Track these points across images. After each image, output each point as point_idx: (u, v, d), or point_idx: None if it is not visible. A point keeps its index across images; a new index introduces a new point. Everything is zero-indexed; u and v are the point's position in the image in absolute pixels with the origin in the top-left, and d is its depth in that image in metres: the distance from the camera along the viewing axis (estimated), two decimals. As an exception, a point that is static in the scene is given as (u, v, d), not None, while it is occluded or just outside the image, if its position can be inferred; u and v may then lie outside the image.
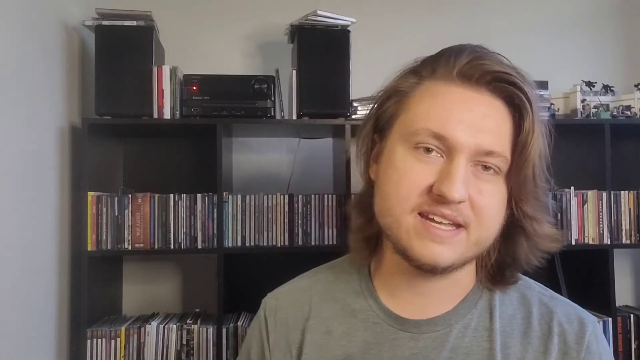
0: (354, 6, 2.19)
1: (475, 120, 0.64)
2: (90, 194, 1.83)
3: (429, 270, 0.66)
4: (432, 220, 0.64)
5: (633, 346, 1.98)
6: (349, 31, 1.95)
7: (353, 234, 0.78)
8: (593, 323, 0.74)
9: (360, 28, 2.02)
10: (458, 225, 0.64)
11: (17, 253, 1.55)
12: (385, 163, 0.69)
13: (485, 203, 0.64)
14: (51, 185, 1.79)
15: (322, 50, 1.92)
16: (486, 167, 0.65)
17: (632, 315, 2.01)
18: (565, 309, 0.74)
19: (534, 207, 0.68)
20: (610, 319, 1.95)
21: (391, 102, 0.70)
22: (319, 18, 1.91)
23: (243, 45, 2.26)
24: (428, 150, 0.64)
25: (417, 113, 0.66)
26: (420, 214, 0.64)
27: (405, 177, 0.65)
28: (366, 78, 2.16)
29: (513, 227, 0.70)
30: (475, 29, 2.30)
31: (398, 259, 0.68)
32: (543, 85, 2.04)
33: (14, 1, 1.55)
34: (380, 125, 0.72)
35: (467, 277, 0.74)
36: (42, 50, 1.74)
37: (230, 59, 2.24)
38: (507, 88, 0.65)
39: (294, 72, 1.95)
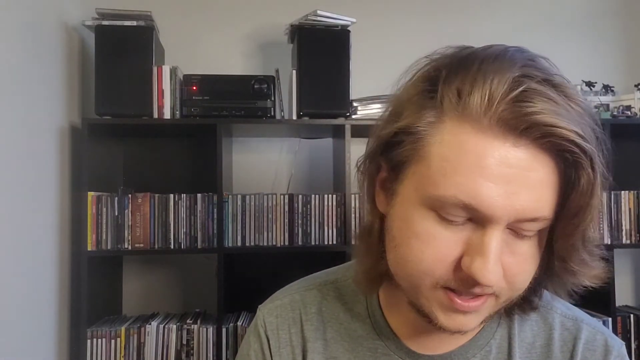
0: (354, 6, 2.20)
1: (514, 180, 0.49)
2: (90, 194, 1.83)
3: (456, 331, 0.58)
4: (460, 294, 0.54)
5: (633, 346, 1.98)
6: (349, 31, 1.95)
7: (359, 265, 0.66)
8: (619, 349, 0.67)
9: (360, 28, 2.02)
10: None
11: (17, 253, 1.55)
12: (400, 218, 0.56)
13: (518, 269, 0.53)
14: (51, 185, 1.79)
15: (322, 50, 1.92)
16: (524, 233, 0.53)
17: (632, 315, 2.01)
18: (590, 333, 0.68)
19: (579, 260, 0.56)
20: (610, 319, 1.95)
21: (403, 143, 0.54)
22: (319, 18, 1.91)
23: (243, 45, 2.26)
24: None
25: (441, 172, 0.51)
26: (447, 288, 0.54)
27: (428, 247, 0.53)
28: (366, 78, 2.17)
29: (547, 270, 0.58)
30: (475, 29, 2.30)
31: (416, 312, 0.59)
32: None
33: (14, 1, 1.55)
34: (390, 158, 0.57)
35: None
36: (42, 50, 1.74)
37: (230, 59, 2.24)
38: (563, 145, 0.49)
39: (294, 72, 1.95)
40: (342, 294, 0.72)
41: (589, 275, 0.58)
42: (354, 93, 1.96)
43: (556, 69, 0.54)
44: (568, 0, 2.39)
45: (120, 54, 1.85)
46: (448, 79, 0.52)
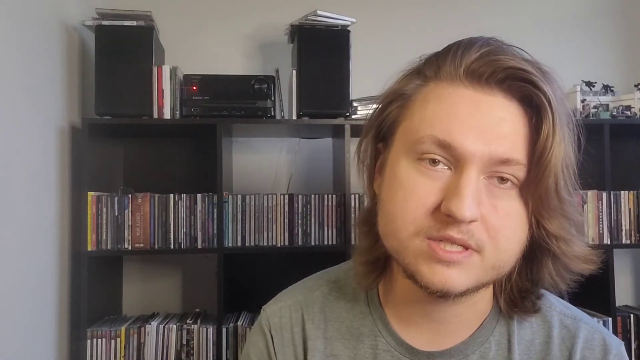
0: (354, 6, 2.20)
1: (487, 125, 0.55)
2: (90, 194, 1.83)
3: (441, 297, 0.58)
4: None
5: (633, 346, 1.98)
6: (349, 31, 1.95)
7: (358, 256, 0.69)
8: (617, 348, 0.68)
9: (360, 28, 2.02)
10: (469, 248, 0.56)
11: (17, 253, 1.55)
12: (388, 178, 0.61)
13: (501, 223, 0.56)
14: (51, 185, 1.79)
15: (322, 50, 1.92)
16: (502, 179, 0.56)
17: (632, 315, 2.01)
18: (589, 332, 0.68)
19: (560, 224, 0.59)
20: (610, 319, 1.95)
21: (393, 106, 0.62)
22: (319, 18, 1.91)
23: (243, 45, 2.26)
24: (434, 161, 0.56)
25: (421, 119, 0.58)
26: (429, 238, 0.57)
27: (411, 195, 0.57)
28: (366, 78, 2.17)
29: (536, 247, 0.61)
30: (474, 29, 2.28)
31: (410, 284, 0.61)
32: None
33: (14, 1, 1.55)
34: (382, 132, 0.64)
35: (483, 301, 0.67)
36: (42, 50, 1.74)
37: (230, 59, 2.24)
38: (524, 87, 0.56)
39: (294, 72, 1.95)
40: (344, 293, 0.73)
41: (577, 253, 0.61)
42: (354, 93, 1.96)
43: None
44: (568, 0, 2.39)
45: (120, 54, 1.85)
46: (429, 59, 0.62)
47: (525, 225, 0.58)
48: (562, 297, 0.72)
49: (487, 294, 0.67)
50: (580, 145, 0.62)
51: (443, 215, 0.55)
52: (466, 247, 0.56)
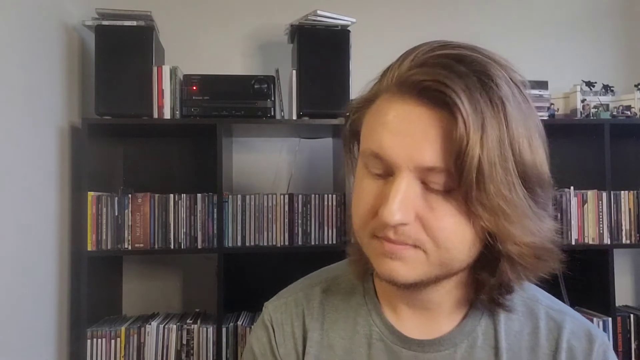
0: (353, 6, 2.20)
1: (411, 136, 0.57)
2: (90, 194, 1.83)
3: (396, 287, 0.63)
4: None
5: (633, 346, 1.98)
6: (349, 31, 1.95)
7: (350, 246, 0.73)
8: (602, 338, 0.70)
9: (360, 28, 2.02)
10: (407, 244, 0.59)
11: (17, 253, 1.55)
12: (354, 180, 0.66)
13: (438, 223, 0.58)
14: (51, 185, 1.79)
15: (322, 50, 1.92)
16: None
17: (632, 315, 2.01)
18: (574, 324, 0.71)
19: (502, 224, 0.57)
20: (610, 319, 1.95)
21: (356, 116, 0.66)
22: (319, 18, 1.91)
23: (243, 45, 2.26)
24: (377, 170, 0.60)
25: (364, 134, 0.63)
26: (376, 236, 0.62)
27: (361, 200, 0.62)
28: (366, 78, 2.16)
29: (490, 249, 0.61)
30: (474, 29, 2.30)
31: None
32: (543, 85, 2.04)
33: (14, 1, 1.55)
34: (352, 133, 0.68)
35: (458, 290, 0.69)
36: (42, 50, 1.74)
37: (230, 59, 2.24)
38: (440, 94, 0.55)
39: (294, 72, 1.95)
40: (343, 287, 0.77)
41: (532, 253, 0.60)
42: (354, 93, 1.95)
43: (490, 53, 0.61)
44: (568, 1, 2.39)
45: (120, 54, 1.85)
46: (384, 70, 0.65)
47: (467, 225, 0.58)
48: (560, 294, 0.73)
49: (457, 283, 0.68)
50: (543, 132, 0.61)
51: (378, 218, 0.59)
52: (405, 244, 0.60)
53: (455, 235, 0.59)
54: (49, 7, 1.79)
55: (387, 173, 0.59)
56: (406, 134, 0.57)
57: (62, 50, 1.88)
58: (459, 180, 0.56)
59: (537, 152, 0.59)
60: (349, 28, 1.95)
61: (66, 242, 1.90)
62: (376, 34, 2.27)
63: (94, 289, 1.85)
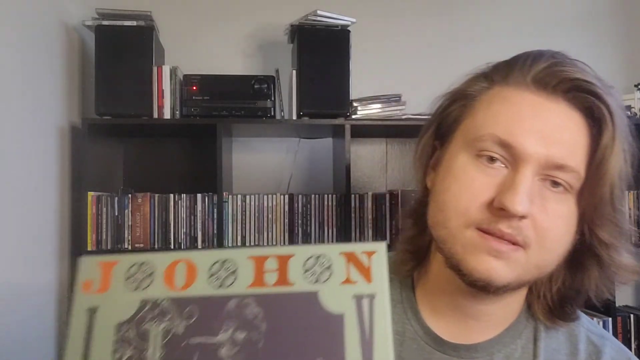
0: (354, 6, 2.20)
1: (547, 130, 0.57)
2: (90, 194, 1.83)
3: (482, 288, 0.59)
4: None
5: (633, 346, 1.98)
6: (349, 31, 1.95)
7: (402, 244, 0.72)
8: None
9: (360, 28, 2.02)
10: (516, 244, 0.58)
11: (17, 253, 1.55)
12: (444, 171, 0.63)
13: (549, 224, 0.57)
14: (51, 185, 1.79)
15: (322, 50, 1.92)
16: (555, 183, 0.58)
17: (632, 315, 2.01)
18: (614, 350, 0.70)
19: (611, 232, 0.60)
20: (610, 319, 1.95)
21: (456, 105, 0.65)
22: (319, 18, 1.91)
23: (243, 45, 2.26)
24: (492, 159, 0.59)
25: (484, 118, 0.61)
26: (479, 229, 0.58)
27: (466, 188, 0.59)
28: (366, 78, 2.17)
29: (584, 255, 0.62)
30: (474, 29, 2.30)
31: (448, 275, 0.63)
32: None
33: (14, 1, 1.55)
34: (442, 130, 0.66)
35: (516, 302, 0.67)
36: (42, 50, 1.74)
37: (230, 59, 2.24)
38: (587, 98, 0.57)
39: (294, 72, 1.95)
40: None
41: (624, 263, 0.62)
42: (354, 93, 1.96)
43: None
44: (568, 1, 2.39)
45: (120, 54, 1.85)
46: (498, 65, 0.65)
47: (572, 229, 0.60)
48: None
49: (520, 296, 0.67)
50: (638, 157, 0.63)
51: (495, 209, 0.57)
52: (513, 243, 0.57)
53: (560, 238, 0.59)
54: (49, 7, 1.79)
55: (507, 161, 0.58)
56: (543, 126, 0.57)
57: (62, 50, 1.88)
58: (590, 187, 0.57)
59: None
60: (349, 28, 1.95)
61: (66, 242, 1.90)
62: (376, 34, 2.27)
63: (94, 289, 1.85)
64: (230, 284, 0.44)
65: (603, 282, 0.64)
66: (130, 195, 1.87)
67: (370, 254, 0.44)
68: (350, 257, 0.44)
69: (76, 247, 1.90)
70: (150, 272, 0.45)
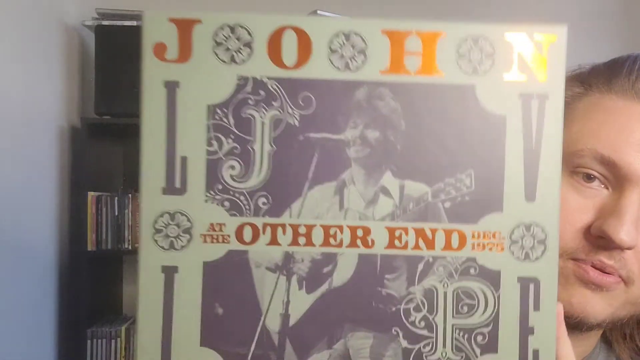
0: (354, 6, 2.20)
1: None
2: (90, 194, 1.83)
3: (575, 325, 0.50)
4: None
5: (633, 346, 1.98)
6: (348, 31, 1.95)
7: None
8: None
9: (360, 28, 2.02)
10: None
11: (16, 253, 1.55)
12: None
13: None
14: (50, 186, 1.79)
15: (322, 50, 1.92)
16: None
17: (632, 315, 2.01)
18: None
19: None
20: (610, 319, 1.95)
21: None
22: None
23: (243, 45, 2.26)
24: (589, 177, 0.50)
25: (582, 130, 0.51)
26: (574, 260, 0.50)
27: (560, 212, 0.55)
28: (366, 78, 2.17)
29: None
30: (475, 29, 2.30)
31: None
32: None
33: (14, 1, 1.55)
34: None
35: (596, 337, 0.59)
36: (42, 50, 1.74)
37: (230, 59, 2.24)
38: None
39: (294, 72, 1.95)
40: None
41: None
42: (354, 93, 1.96)
43: None
44: (568, 1, 2.39)
45: (120, 54, 1.85)
46: (596, 67, 0.55)
47: None
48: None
49: (599, 332, 0.59)
50: None
51: (594, 237, 0.49)
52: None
53: None
54: (48, 7, 1.79)
55: (608, 181, 0.50)
56: None
57: (62, 50, 1.88)
58: None
59: None
60: (349, 28, 1.96)
61: (66, 242, 1.89)
62: (376, 34, 2.27)
63: (94, 288, 1.85)
64: (359, 67, 0.33)
65: None
66: (130, 195, 1.87)
67: (546, 42, 0.34)
68: (520, 43, 0.34)
69: (76, 247, 1.90)
70: (246, 42, 0.34)
